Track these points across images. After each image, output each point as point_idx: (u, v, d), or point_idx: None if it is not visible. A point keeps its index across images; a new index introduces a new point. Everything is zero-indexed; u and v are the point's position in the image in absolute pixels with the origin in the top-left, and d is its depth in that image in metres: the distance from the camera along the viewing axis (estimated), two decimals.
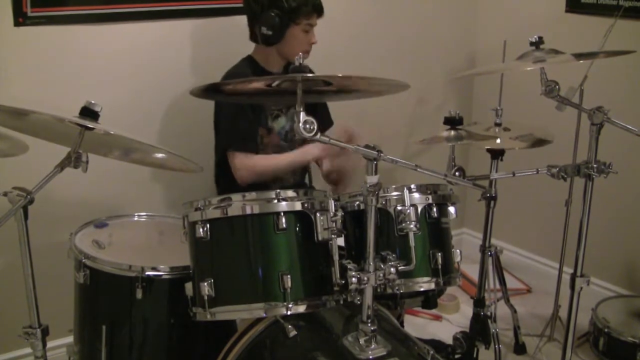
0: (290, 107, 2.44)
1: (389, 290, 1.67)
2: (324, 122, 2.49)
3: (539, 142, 2.39)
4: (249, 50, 2.45)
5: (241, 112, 2.30)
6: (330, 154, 2.32)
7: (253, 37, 2.37)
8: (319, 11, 2.33)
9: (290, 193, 1.62)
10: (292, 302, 1.57)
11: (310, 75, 1.52)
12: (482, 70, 3.62)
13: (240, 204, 1.60)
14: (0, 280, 2.35)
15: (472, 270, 3.11)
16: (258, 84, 1.72)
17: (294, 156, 2.36)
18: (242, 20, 2.38)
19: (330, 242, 1.63)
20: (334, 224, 1.63)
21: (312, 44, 2.35)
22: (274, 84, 1.65)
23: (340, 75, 1.55)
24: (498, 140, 2.42)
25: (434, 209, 1.79)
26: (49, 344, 1.74)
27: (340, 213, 1.65)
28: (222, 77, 2.35)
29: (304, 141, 2.44)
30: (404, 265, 1.63)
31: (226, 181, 2.42)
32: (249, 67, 2.38)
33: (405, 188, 1.74)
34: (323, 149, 2.30)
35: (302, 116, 1.46)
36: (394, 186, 1.76)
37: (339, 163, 2.35)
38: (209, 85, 1.66)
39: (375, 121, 3.15)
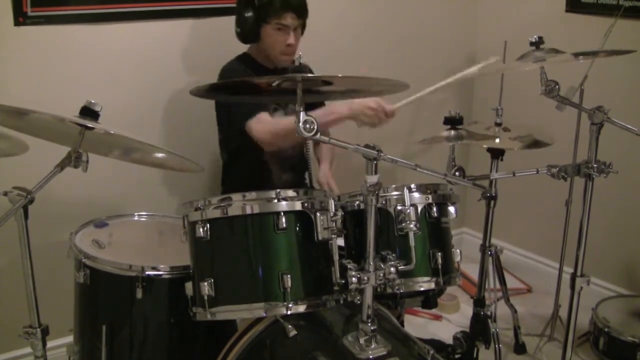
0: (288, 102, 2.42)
1: (389, 290, 1.68)
2: None
3: (539, 142, 2.39)
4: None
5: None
6: (359, 116, 2.09)
7: None
8: (293, 9, 2.23)
9: (290, 193, 1.62)
10: (292, 302, 1.57)
11: (310, 75, 1.51)
12: (483, 70, 3.60)
13: (240, 204, 1.60)
14: (0, 280, 2.35)
15: (472, 270, 3.11)
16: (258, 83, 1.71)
17: (317, 116, 2.30)
18: None
19: (330, 241, 1.63)
20: (334, 223, 1.63)
21: (288, 45, 2.26)
22: (274, 84, 1.65)
23: (340, 75, 1.55)
24: (498, 140, 2.43)
25: (434, 209, 1.80)
26: (49, 344, 1.74)
27: (340, 213, 1.66)
28: (218, 74, 2.34)
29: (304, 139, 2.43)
30: (404, 265, 1.64)
31: (231, 182, 2.41)
32: (244, 63, 2.37)
33: (405, 188, 1.75)
34: (351, 109, 2.08)
35: (302, 116, 1.46)
36: (394, 186, 1.77)
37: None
38: (209, 85, 1.66)
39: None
